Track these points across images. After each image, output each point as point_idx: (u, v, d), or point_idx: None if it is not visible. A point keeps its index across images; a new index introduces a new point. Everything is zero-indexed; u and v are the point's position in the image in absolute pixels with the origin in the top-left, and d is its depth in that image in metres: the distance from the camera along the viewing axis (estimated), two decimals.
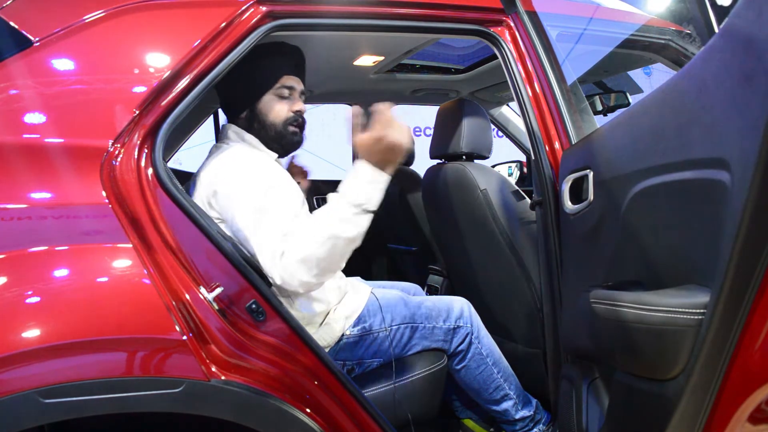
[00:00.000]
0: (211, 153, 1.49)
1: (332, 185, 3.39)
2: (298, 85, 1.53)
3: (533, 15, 1.52)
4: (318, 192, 3.11)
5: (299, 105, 1.52)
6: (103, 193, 1.10)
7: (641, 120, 1.13)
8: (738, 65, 0.85)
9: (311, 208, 1.40)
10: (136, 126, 1.15)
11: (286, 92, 1.50)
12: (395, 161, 1.25)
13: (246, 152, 1.43)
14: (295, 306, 1.45)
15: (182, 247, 1.15)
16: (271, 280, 1.27)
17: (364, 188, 1.22)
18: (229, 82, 1.48)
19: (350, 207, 1.21)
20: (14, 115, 1.10)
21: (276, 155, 1.52)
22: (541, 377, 1.75)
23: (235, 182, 1.33)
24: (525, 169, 3.42)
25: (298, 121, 1.52)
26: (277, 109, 1.49)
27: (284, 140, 1.51)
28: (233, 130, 1.51)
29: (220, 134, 1.55)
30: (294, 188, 1.41)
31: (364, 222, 1.22)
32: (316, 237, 1.20)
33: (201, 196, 1.38)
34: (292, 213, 1.29)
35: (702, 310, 0.94)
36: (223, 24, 1.22)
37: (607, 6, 1.84)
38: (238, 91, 1.50)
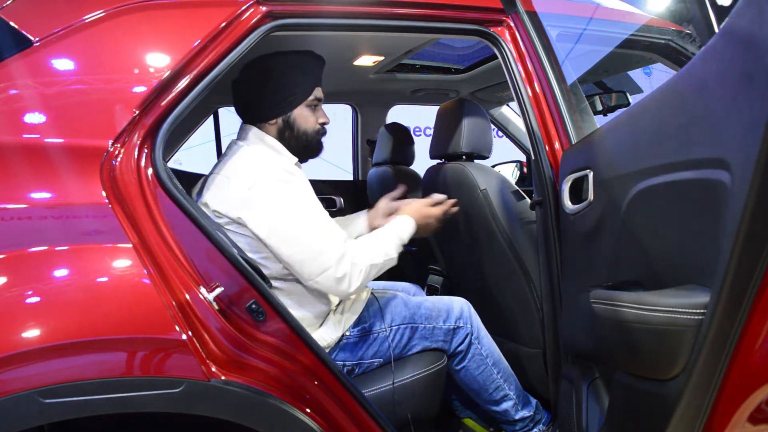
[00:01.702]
0: (231, 150, 1.48)
1: (332, 185, 3.39)
2: (322, 96, 1.58)
3: (533, 15, 1.52)
4: (318, 192, 3.11)
5: (324, 116, 1.58)
6: (103, 193, 1.09)
7: (641, 120, 1.13)
8: (738, 65, 0.85)
9: None
10: (136, 126, 1.15)
11: (315, 103, 1.55)
12: (423, 230, 1.60)
13: (271, 157, 1.44)
14: (296, 306, 1.45)
15: (182, 247, 1.15)
16: (322, 280, 1.35)
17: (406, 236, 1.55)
18: (260, 89, 1.50)
19: (399, 241, 1.51)
20: (14, 115, 1.10)
21: (296, 159, 1.54)
22: (541, 377, 1.75)
23: (274, 190, 1.35)
24: (525, 169, 3.42)
25: (324, 132, 1.59)
26: (309, 119, 1.54)
27: (311, 149, 1.57)
28: (254, 133, 1.51)
29: (239, 133, 1.56)
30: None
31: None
32: (375, 250, 1.43)
33: (226, 199, 1.37)
34: (330, 219, 1.43)
35: (702, 310, 0.94)
36: (223, 24, 1.22)
37: (607, 6, 1.84)
38: (272, 101, 1.50)
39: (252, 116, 1.54)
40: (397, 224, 1.54)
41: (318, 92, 1.55)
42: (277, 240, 1.35)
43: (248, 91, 1.53)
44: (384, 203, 1.76)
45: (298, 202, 1.37)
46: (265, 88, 1.50)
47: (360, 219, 1.78)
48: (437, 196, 1.64)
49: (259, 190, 1.34)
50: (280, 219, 1.34)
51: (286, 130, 1.52)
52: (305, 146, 1.55)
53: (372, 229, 1.77)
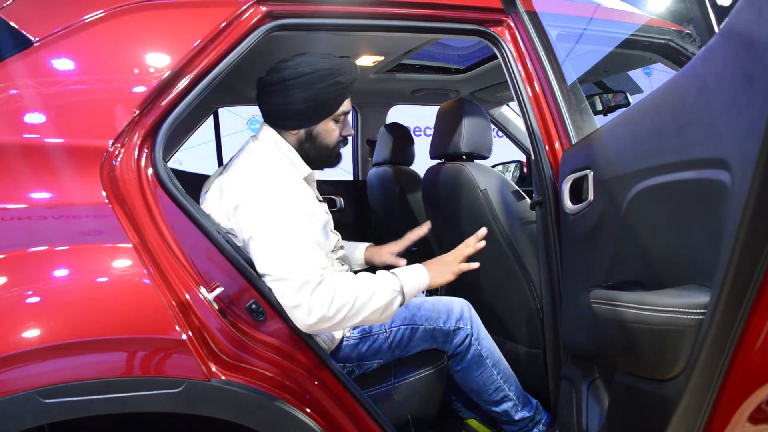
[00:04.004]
0: (244, 150, 1.44)
1: (332, 185, 3.38)
2: (350, 108, 1.51)
3: (533, 15, 1.52)
4: (318, 192, 3.11)
5: (349, 129, 1.52)
6: (103, 193, 1.10)
7: (641, 120, 1.13)
8: (738, 65, 0.85)
9: None
10: (136, 126, 1.15)
11: (342, 117, 1.49)
12: (446, 280, 1.43)
13: (277, 168, 1.37)
14: None
15: (182, 247, 1.15)
16: (284, 306, 1.24)
17: (414, 291, 1.38)
18: (287, 96, 1.41)
19: (395, 293, 1.33)
20: (14, 115, 1.10)
21: (310, 171, 1.48)
22: (541, 377, 1.75)
23: (260, 205, 1.29)
24: (525, 169, 3.43)
25: (346, 143, 1.53)
26: (333, 133, 1.48)
27: (329, 161, 1.52)
28: (273, 137, 1.45)
29: (259, 131, 1.49)
30: (319, 212, 1.41)
31: (395, 306, 1.34)
32: (355, 291, 1.27)
33: (222, 207, 1.34)
34: (318, 245, 1.31)
35: (702, 310, 0.94)
36: (223, 24, 1.22)
37: (607, 6, 1.84)
38: (298, 111, 1.42)
39: (274, 121, 1.46)
40: (404, 272, 1.38)
41: (346, 105, 1.47)
42: (252, 256, 1.29)
43: (275, 96, 1.43)
44: (395, 247, 1.74)
45: (277, 224, 1.28)
46: (293, 97, 1.40)
47: (358, 249, 1.77)
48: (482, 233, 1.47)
49: (246, 207, 1.30)
50: (254, 238, 1.28)
51: (307, 142, 1.46)
52: (324, 159, 1.50)
53: (368, 260, 1.76)
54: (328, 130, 1.46)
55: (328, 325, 1.25)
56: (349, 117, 1.53)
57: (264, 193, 1.31)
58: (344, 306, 1.24)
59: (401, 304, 1.35)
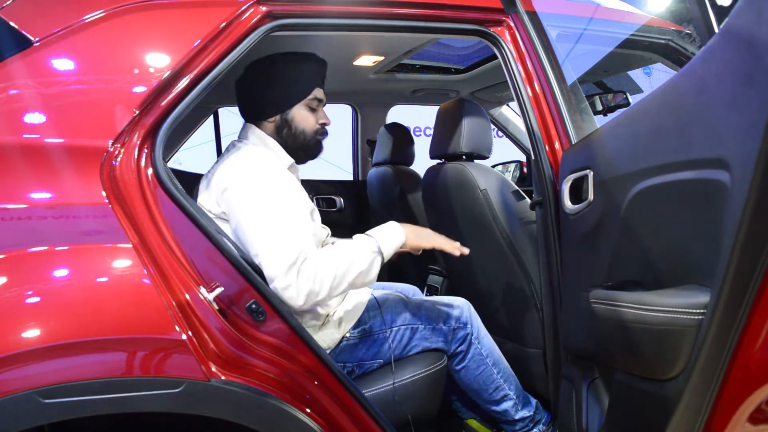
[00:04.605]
0: (228, 150, 1.50)
1: (332, 185, 3.38)
2: (324, 98, 1.57)
3: (533, 15, 1.52)
4: (318, 192, 3.12)
5: (325, 117, 1.58)
6: (103, 193, 1.10)
7: (641, 120, 1.13)
8: (738, 65, 0.85)
9: None
10: (136, 126, 1.15)
11: (315, 104, 1.55)
12: (422, 243, 1.48)
13: (261, 156, 1.43)
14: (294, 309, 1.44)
15: (182, 247, 1.15)
16: (275, 289, 1.27)
17: (392, 249, 1.42)
18: (261, 87, 1.50)
19: (374, 254, 1.37)
20: (14, 115, 1.10)
21: (292, 161, 1.54)
22: (541, 377, 1.75)
23: (248, 187, 1.34)
24: (525, 169, 3.43)
25: (323, 133, 1.58)
26: (308, 119, 1.54)
27: (309, 149, 1.56)
28: (254, 132, 1.52)
29: (240, 132, 1.57)
30: (304, 198, 1.45)
31: (376, 266, 1.38)
32: (335, 261, 1.31)
33: (210, 194, 1.39)
34: (305, 226, 1.36)
35: (702, 310, 0.94)
36: (223, 24, 1.22)
37: (607, 6, 1.84)
38: (271, 98, 1.51)
39: (252, 114, 1.55)
40: (379, 231, 1.43)
41: (318, 93, 1.54)
42: (240, 241, 1.33)
43: (249, 90, 1.53)
44: None
45: (265, 207, 1.31)
46: (264, 86, 1.50)
47: None
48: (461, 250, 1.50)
49: (233, 189, 1.35)
50: (242, 221, 1.32)
51: (284, 128, 1.52)
52: (303, 146, 1.55)
53: None
54: (303, 115, 1.53)
55: (318, 299, 1.30)
56: (325, 110, 1.59)
57: (251, 176, 1.36)
58: (327, 278, 1.29)
59: (382, 263, 1.40)
